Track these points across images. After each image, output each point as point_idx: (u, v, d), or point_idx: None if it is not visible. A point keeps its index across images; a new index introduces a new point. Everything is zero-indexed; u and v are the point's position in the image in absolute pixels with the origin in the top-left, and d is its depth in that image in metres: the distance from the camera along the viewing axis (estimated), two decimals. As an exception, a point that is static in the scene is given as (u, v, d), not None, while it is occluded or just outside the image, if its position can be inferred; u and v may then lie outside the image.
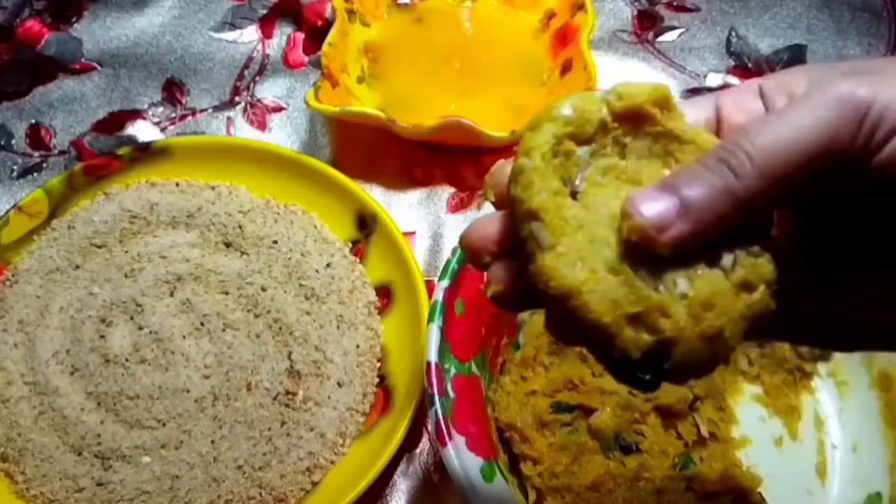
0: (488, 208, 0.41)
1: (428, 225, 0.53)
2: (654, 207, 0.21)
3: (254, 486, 0.41)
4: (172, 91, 0.59)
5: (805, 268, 0.25)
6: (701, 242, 0.21)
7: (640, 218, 0.21)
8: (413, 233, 0.52)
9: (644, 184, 0.23)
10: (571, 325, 0.22)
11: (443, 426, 0.35)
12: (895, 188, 0.21)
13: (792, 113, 0.21)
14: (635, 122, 0.23)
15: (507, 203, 0.23)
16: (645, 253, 0.21)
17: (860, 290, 0.24)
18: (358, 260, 0.49)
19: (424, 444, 0.45)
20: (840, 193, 0.23)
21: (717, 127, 0.24)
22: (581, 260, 0.22)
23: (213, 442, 0.42)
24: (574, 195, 0.23)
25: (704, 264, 0.22)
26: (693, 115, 0.24)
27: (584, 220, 0.22)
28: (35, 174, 0.55)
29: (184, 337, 0.45)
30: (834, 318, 0.24)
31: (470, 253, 0.25)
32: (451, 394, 0.37)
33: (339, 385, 0.44)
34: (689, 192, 0.21)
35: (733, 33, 0.62)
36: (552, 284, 0.21)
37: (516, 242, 0.23)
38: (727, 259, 0.22)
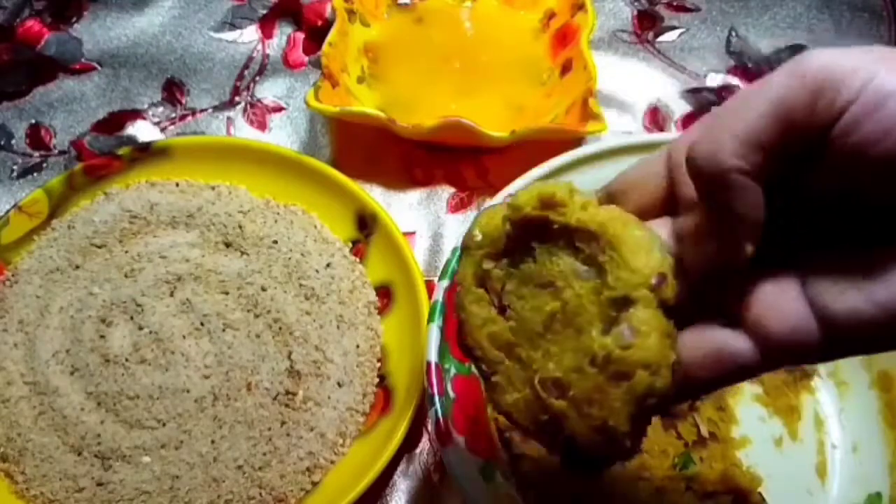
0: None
1: (428, 225, 0.53)
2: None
3: (254, 486, 0.41)
4: (172, 91, 0.59)
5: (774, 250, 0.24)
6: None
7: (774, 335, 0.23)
8: (413, 233, 0.52)
9: (556, 282, 0.25)
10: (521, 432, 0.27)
11: (443, 426, 0.35)
12: (852, 160, 0.21)
13: (747, 97, 0.22)
14: (535, 225, 0.26)
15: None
16: (557, 363, 0.25)
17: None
18: (358, 260, 0.49)
19: (424, 444, 0.45)
20: (803, 168, 0.23)
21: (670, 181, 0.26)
22: (511, 384, 0.26)
23: (213, 442, 0.42)
24: (503, 309, 0.27)
25: (589, 364, 0.24)
26: (647, 171, 0.26)
27: (511, 341, 0.27)
28: (35, 174, 0.55)
29: (184, 337, 0.45)
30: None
31: None
32: (451, 394, 0.37)
33: (339, 385, 0.44)
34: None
35: (733, 33, 0.62)
36: (496, 409, 0.27)
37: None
38: (600, 356, 0.24)
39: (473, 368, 0.40)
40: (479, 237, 0.27)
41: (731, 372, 0.24)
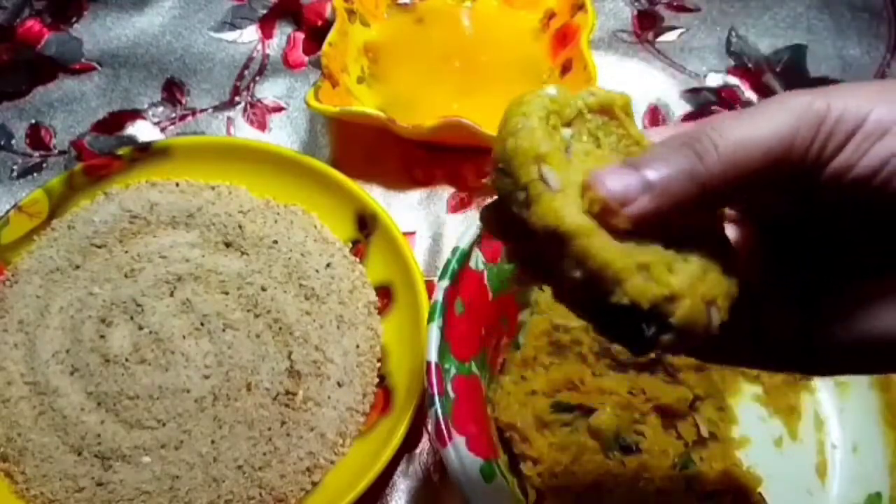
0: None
1: (428, 225, 0.53)
2: (618, 182, 0.21)
3: (254, 486, 0.41)
4: (172, 91, 0.59)
5: (779, 286, 0.25)
6: (661, 221, 0.21)
7: (604, 191, 0.21)
8: (413, 233, 0.52)
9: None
10: (569, 271, 0.21)
11: (443, 426, 0.35)
12: (846, 199, 0.22)
13: (758, 113, 0.21)
14: (605, 118, 0.25)
15: (496, 163, 0.24)
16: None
17: (831, 323, 0.24)
18: (358, 260, 0.49)
19: (424, 444, 0.45)
20: (801, 204, 0.23)
21: None
22: (598, 232, 0.21)
23: (213, 442, 0.42)
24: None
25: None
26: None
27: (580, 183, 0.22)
28: (35, 174, 0.55)
29: (184, 337, 0.45)
30: (811, 342, 0.25)
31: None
32: (451, 394, 0.37)
33: (339, 385, 0.44)
34: (654, 170, 0.21)
35: (733, 33, 0.62)
36: (565, 222, 0.21)
37: (505, 200, 0.23)
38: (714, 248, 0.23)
39: (475, 367, 0.40)
40: (554, 93, 0.24)
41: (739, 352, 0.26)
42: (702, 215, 0.24)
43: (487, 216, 0.25)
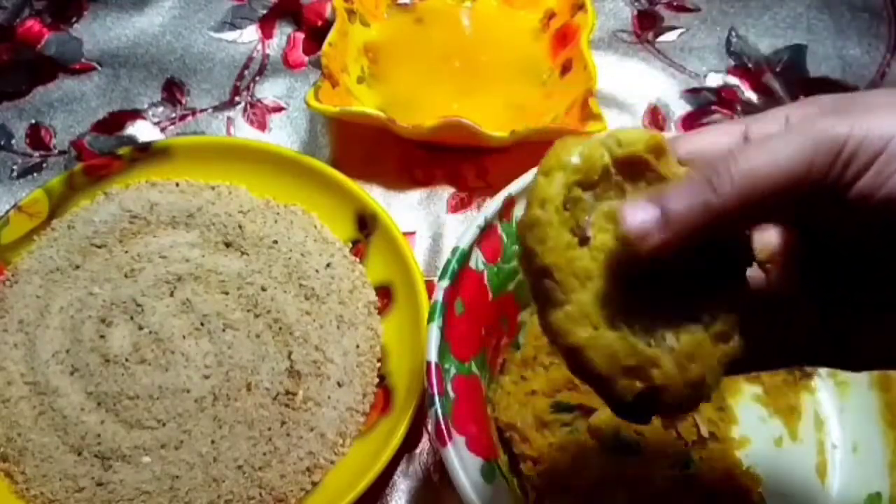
0: (488, 208, 0.41)
1: (428, 225, 0.53)
2: (637, 216, 0.23)
3: (254, 486, 0.41)
4: (172, 91, 0.59)
5: (808, 299, 0.27)
6: (681, 249, 0.23)
7: (626, 226, 0.23)
8: (413, 233, 0.52)
9: None
10: (579, 369, 0.25)
11: (443, 426, 0.35)
12: (871, 220, 0.22)
13: (775, 142, 0.22)
14: (634, 168, 0.25)
15: (519, 238, 0.26)
16: (641, 308, 0.24)
17: (866, 326, 0.25)
18: (358, 260, 0.49)
19: (424, 444, 0.45)
20: (829, 226, 0.24)
21: None
22: (586, 317, 0.24)
23: (213, 442, 0.42)
24: (584, 240, 0.25)
25: (687, 320, 0.25)
26: (718, 142, 0.26)
27: (591, 271, 0.24)
28: (35, 174, 0.55)
29: (184, 337, 0.45)
30: (843, 342, 0.26)
31: None
32: (451, 394, 0.37)
33: (339, 385, 0.44)
34: (670, 203, 0.23)
35: (733, 33, 0.62)
36: (561, 340, 0.25)
37: (532, 291, 0.26)
38: (707, 316, 0.25)
39: (475, 367, 0.40)
40: (578, 161, 0.25)
41: None
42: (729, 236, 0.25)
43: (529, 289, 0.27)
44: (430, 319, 0.38)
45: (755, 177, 0.22)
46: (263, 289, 0.46)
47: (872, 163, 0.21)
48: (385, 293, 0.48)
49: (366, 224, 0.49)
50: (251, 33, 0.62)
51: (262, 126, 0.57)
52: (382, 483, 0.43)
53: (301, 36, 0.61)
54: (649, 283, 0.24)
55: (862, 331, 0.25)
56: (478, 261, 0.41)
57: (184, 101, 0.58)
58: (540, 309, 0.25)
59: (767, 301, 0.27)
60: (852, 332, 0.25)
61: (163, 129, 0.57)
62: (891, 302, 0.24)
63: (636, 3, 0.63)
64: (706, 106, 0.58)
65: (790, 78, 0.59)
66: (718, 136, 0.26)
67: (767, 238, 0.27)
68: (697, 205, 0.22)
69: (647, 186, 0.25)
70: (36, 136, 0.56)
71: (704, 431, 0.42)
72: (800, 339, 0.27)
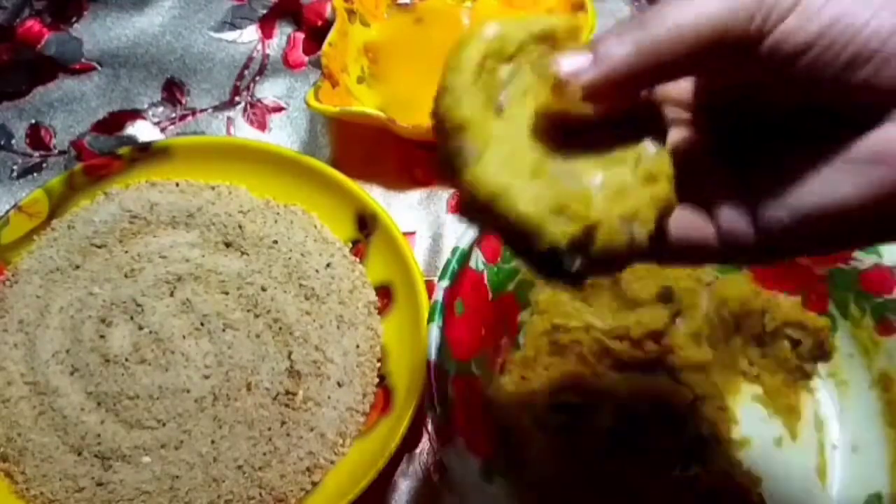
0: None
1: (428, 225, 0.53)
2: (569, 60, 0.23)
3: (254, 486, 0.41)
4: (172, 91, 0.59)
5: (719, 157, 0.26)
6: (610, 90, 0.23)
7: (557, 67, 0.23)
8: (413, 233, 0.52)
9: None
10: (501, 226, 0.23)
11: (443, 426, 0.35)
12: (783, 71, 0.22)
13: None
14: (549, 46, 0.25)
15: (433, 118, 0.25)
16: (562, 154, 0.23)
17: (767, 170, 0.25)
18: (358, 260, 0.49)
19: (424, 444, 0.45)
20: (739, 77, 0.24)
21: None
22: (506, 167, 0.23)
23: (213, 442, 0.42)
24: (498, 111, 0.24)
25: (610, 157, 0.24)
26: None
27: (508, 133, 0.24)
28: (35, 174, 0.55)
29: (184, 337, 0.45)
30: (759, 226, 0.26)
31: None
32: (451, 394, 0.37)
33: (339, 385, 0.44)
34: (603, 44, 0.23)
35: (733, 33, 0.62)
36: (481, 189, 0.23)
37: (444, 159, 0.24)
38: (631, 157, 0.24)
39: (475, 368, 0.40)
40: (492, 33, 0.25)
41: (700, 247, 0.26)
42: (645, 106, 0.25)
43: (439, 163, 0.26)
44: (430, 319, 0.38)
45: (687, 16, 0.22)
46: (263, 289, 0.46)
47: (790, 12, 0.22)
48: (385, 293, 0.48)
49: (366, 224, 0.49)
50: (251, 33, 0.62)
51: (262, 126, 0.57)
52: (382, 483, 0.43)
53: (301, 36, 0.61)
54: (568, 147, 0.24)
55: (766, 209, 0.25)
56: (478, 261, 0.41)
57: (184, 101, 0.58)
58: (456, 172, 0.24)
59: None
60: (759, 211, 0.25)
61: (163, 129, 0.57)
62: (789, 165, 0.24)
63: (636, 3, 0.63)
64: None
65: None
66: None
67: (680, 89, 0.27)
68: (629, 41, 0.22)
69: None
70: (36, 136, 0.56)
71: (704, 432, 0.42)
72: (720, 226, 0.26)
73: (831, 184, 0.23)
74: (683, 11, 0.22)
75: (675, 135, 0.27)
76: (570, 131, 0.24)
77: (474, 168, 0.23)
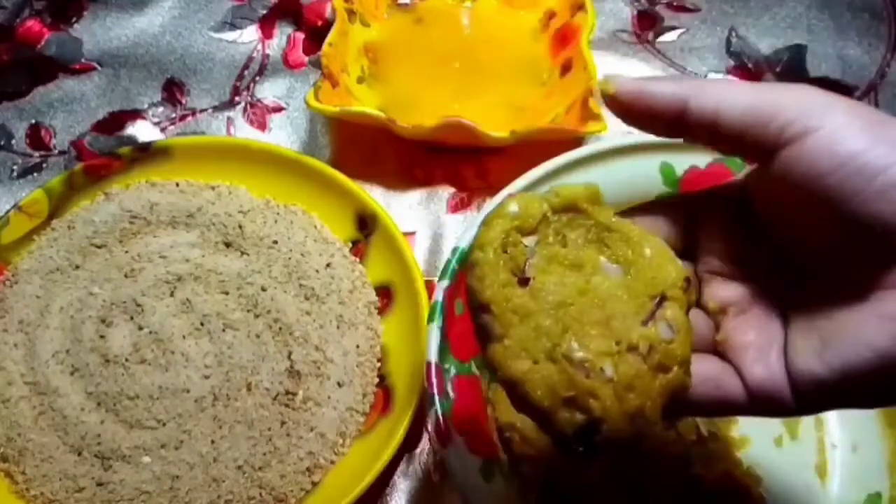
0: (488, 208, 0.41)
1: (428, 225, 0.53)
2: (623, 83, 0.26)
3: (254, 486, 0.41)
4: (172, 91, 0.59)
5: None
6: (641, 116, 0.26)
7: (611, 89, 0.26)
8: (413, 233, 0.52)
9: (584, 267, 0.26)
10: (520, 402, 0.25)
11: (443, 426, 0.35)
12: (793, 188, 0.23)
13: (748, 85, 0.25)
14: (571, 215, 0.27)
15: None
16: (581, 342, 0.25)
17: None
18: (358, 260, 0.49)
19: (424, 444, 0.45)
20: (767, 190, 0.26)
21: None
22: (525, 350, 0.25)
23: (213, 442, 0.42)
24: (524, 282, 0.26)
25: (627, 351, 0.25)
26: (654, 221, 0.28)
27: (530, 309, 0.26)
28: (35, 174, 0.55)
29: (184, 337, 0.45)
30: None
31: None
32: (451, 394, 0.37)
33: (339, 385, 0.44)
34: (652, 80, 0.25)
35: (733, 33, 0.62)
36: (500, 373, 0.25)
37: (476, 328, 0.26)
38: (644, 346, 0.25)
39: (475, 368, 0.40)
40: (515, 210, 0.27)
41: (724, 403, 0.26)
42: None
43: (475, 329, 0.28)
44: (430, 319, 0.38)
45: (723, 97, 0.24)
46: (263, 289, 0.46)
47: (796, 140, 0.22)
48: (385, 293, 0.48)
49: (366, 224, 0.49)
50: (251, 33, 0.62)
51: (262, 126, 0.57)
52: (382, 483, 0.43)
53: (301, 36, 0.61)
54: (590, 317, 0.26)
55: (801, 364, 0.24)
56: (478, 261, 0.41)
57: (184, 101, 0.58)
58: (482, 344, 0.26)
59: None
60: (793, 366, 0.25)
61: (163, 129, 0.57)
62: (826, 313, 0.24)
63: (636, 3, 0.63)
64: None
65: (790, 78, 0.59)
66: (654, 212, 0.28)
67: (722, 293, 0.27)
68: (671, 83, 0.25)
69: (586, 234, 0.27)
70: (36, 136, 0.56)
71: (704, 431, 0.42)
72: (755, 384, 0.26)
73: (867, 335, 0.23)
74: (727, 91, 0.24)
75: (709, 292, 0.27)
76: None
77: (497, 349, 0.26)
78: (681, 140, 0.26)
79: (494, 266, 0.26)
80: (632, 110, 0.25)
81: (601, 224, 0.27)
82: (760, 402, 0.25)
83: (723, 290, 0.27)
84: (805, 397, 0.24)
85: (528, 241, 0.27)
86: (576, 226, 0.27)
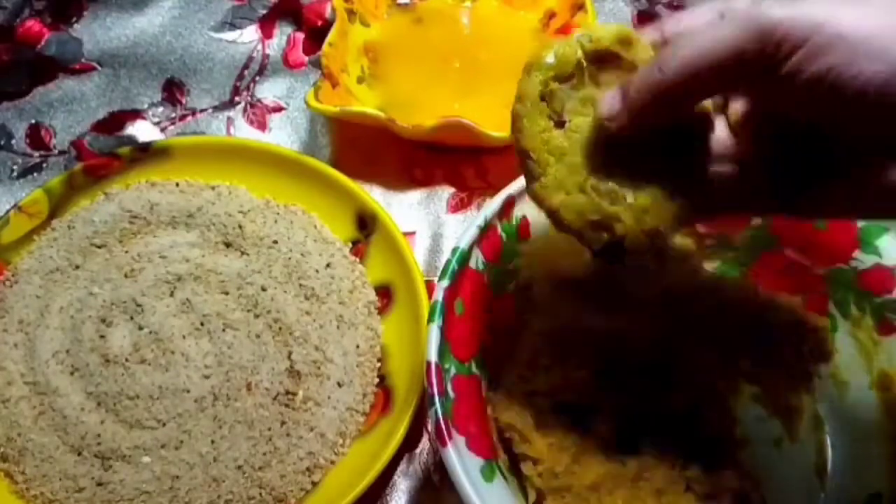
0: (488, 208, 0.41)
1: (428, 225, 0.53)
2: (607, 101, 0.29)
3: (254, 486, 0.41)
4: (172, 91, 0.59)
5: (765, 180, 0.31)
6: (639, 126, 0.28)
7: (599, 110, 0.29)
8: (413, 233, 0.52)
9: None
10: (559, 226, 0.31)
11: (443, 426, 0.35)
12: (801, 95, 0.26)
13: (711, 29, 0.26)
14: (605, 58, 0.31)
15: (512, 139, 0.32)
16: (612, 175, 0.30)
17: (811, 192, 0.30)
18: (358, 260, 0.49)
19: (424, 444, 0.45)
20: (771, 98, 0.28)
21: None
22: (560, 185, 0.31)
23: (213, 442, 0.42)
24: (562, 124, 0.31)
25: (648, 182, 0.30)
26: (698, 20, 0.30)
27: (564, 149, 0.30)
28: (35, 174, 0.55)
29: (184, 337, 0.45)
30: (790, 204, 0.31)
31: None
32: (451, 394, 0.37)
33: (339, 385, 0.44)
34: (629, 88, 0.28)
35: (733, 33, 0.62)
36: (542, 206, 0.31)
37: (522, 170, 0.32)
38: (665, 179, 0.30)
39: (475, 367, 0.40)
40: (551, 59, 0.30)
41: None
42: (692, 114, 0.30)
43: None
44: (430, 319, 0.38)
45: (692, 57, 0.26)
46: (263, 289, 0.46)
47: (801, 45, 0.24)
48: (385, 293, 0.48)
49: (366, 224, 0.49)
50: (251, 33, 0.62)
51: (262, 126, 0.57)
52: (382, 483, 0.43)
53: (301, 36, 0.62)
54: (624, 155, 0.30)
55: (808, 195, 0.29)
56: (478, 261, 0.41)
57: (184, 101, 0.58)
58: (526, 184, 0.32)
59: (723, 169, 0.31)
60: (800, 196, 0.30)
61: (163, 129, 0.57)
62: (830, 169, 0.28)
63: (636, 3, 0.63)
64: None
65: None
66: (698, 16, 0.29)
67: (738, 106, 0.31)
68: (646, 85, 0.27)
69: (621, 74, 0.30)
70: (36, 136, 0.56)
71: (705, 432, 0.42)
72: (753, 200, 0.31)
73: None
74: (695, 42, 0.26)
75: (721, 146, 0.31)
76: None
77: (537, 187, 0.31)
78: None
79: (532, 116, 0.30)
80: (645, 113, 0.28)
81: (633, 64, 0.30)
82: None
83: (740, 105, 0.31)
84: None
85: (565, 86, 0.30)
86: (610, 67, 0.30)
